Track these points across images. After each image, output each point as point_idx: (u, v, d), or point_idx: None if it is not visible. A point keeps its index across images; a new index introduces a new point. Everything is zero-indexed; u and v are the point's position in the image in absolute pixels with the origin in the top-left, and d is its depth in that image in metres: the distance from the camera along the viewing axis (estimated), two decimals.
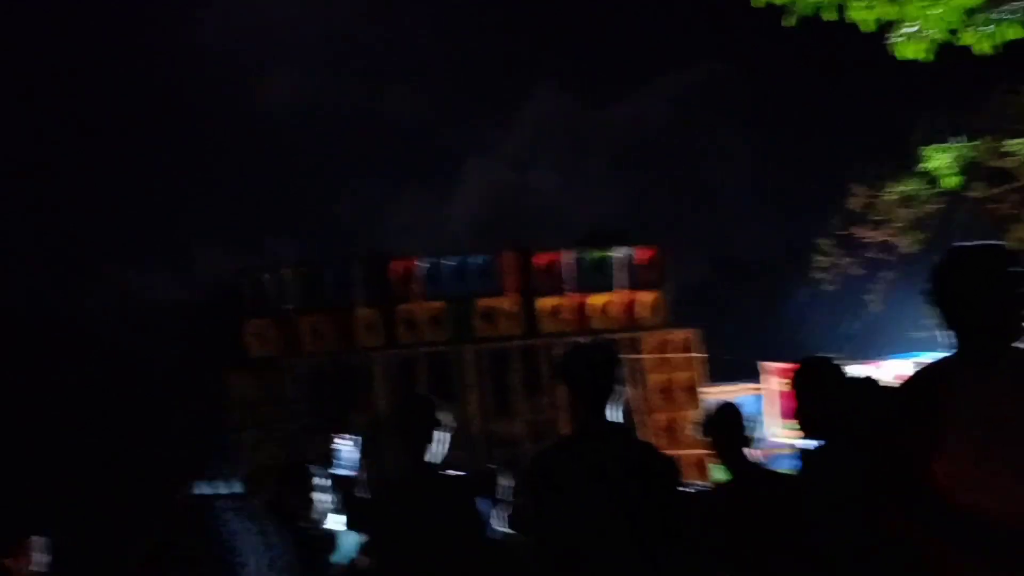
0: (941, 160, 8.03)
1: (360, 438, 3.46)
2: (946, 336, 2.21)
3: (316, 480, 3.37)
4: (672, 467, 2.71)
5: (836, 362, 2.97)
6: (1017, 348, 2.08)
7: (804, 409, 2.95)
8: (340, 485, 3.42)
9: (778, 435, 9.67)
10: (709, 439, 3.44)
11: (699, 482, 5.55)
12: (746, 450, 3.39)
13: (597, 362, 2.76)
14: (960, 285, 2.15)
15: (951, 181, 8.14)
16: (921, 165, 8.61)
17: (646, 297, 9.16)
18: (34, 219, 23.22)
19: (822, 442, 2.97)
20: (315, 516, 3.38)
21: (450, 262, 8.96)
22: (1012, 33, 4.48)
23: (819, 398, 2.88)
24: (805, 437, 2.98)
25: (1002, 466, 1.96)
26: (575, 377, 2.77)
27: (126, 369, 18.26)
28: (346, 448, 3.47)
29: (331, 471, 3.38)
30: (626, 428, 2.79)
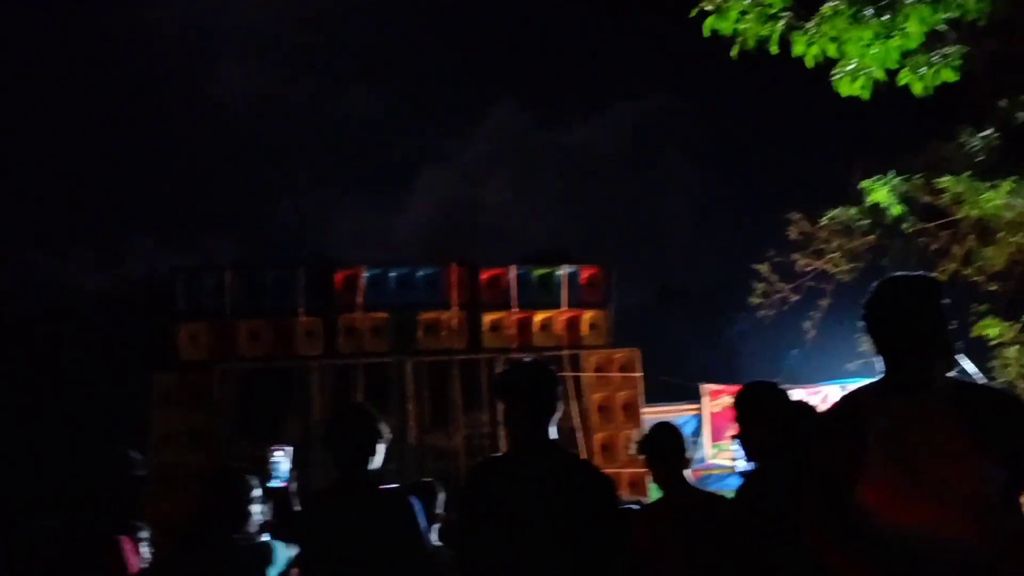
0: (881, 193, 8.32)
1: (292, 448, 3.40)
2: (878, 362, 2.28)
3: (253, 490, 3.28)
4: (609, 485, 2.73)
5: (780, 387, 3.03)
6: (944, 377, 2.14)
7: (747, 432, 2.99)
8: (272, 496, 3.35)
9: (713, 456, 9.81)
10: (647, 458, 3.47)
11: (634, 499, 5.58)
12: (683, 471, 3.43)
13: (536, 379, 2.76)
14: (889, 313, 2.22)
15: (895, 211, 8.42)
16: (864, 200, 8.87)
17: (589, 316, 9.21)
18: None
19: (756, 464, 3.02)
20: (248, 528, 3.29)
21: (395, 273, 8.88)
22: (945, 76, 4.67)
23: (762, 422, 2.93)
24: (749, 459, 3.02)
25: (920, 490, 2.02)
26: (514, 393, 2.77)
27: (41, 362, 17.52)
28: (280, 459, 3.40)
29: (266, 483, 3.31)
30: (562, 446, 2.79)
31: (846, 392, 2.35)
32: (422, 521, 3.12)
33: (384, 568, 2.94)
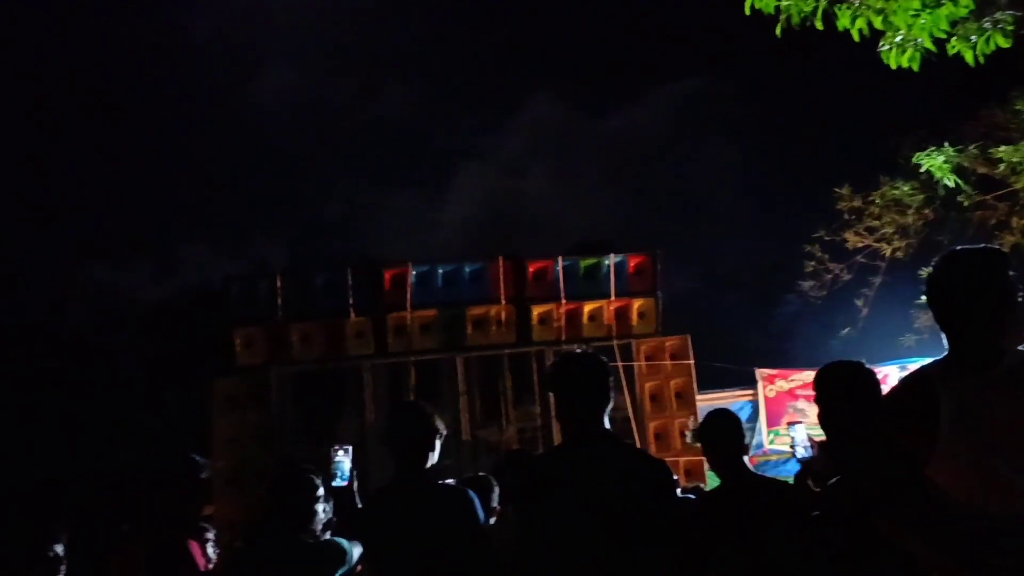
0: (934, 161, 8.07)
1: (351, 448, 3.46)
2: (941, 338, 2.22)
3: (317, 489, 3.34)
4: (666, 472, 2.72)
5: (866, 367, 2.93)
6: (1012, 351, 2.08)
7: (829, 415, 2.90)
8: (336, 495, 3.41)
9: (770, 442, 9.68)
10: (704, 445, 3.43)
11: (692, 487, 5.55)
12: (742, 457, 3.39)
13: (588, 370, 2.77)
14: (953, 289, 2.16)
15: (948, 180, 8.16)
16: (917, 174, 8.62)
17: (638, 304, 9.15)
18: (13, 214, 23.06)
19: (838, 450, 2.92)
20: (314, 526, 3.36)
21: (442, 269, 8.93)
22: (998, 42, 4.52)
23: (851, 403, 2.83)
24: (831, 444, 2.94)
25: (1001, 467, 1.97)
26: (566, 385, 2.78)
27: (105, 372, 18.11)
28: (342, 458, 3.46)
29: (330, 482, 3.38)
30: (617, 436, 2.79)
31: (913, 370, 2.30)
32: (482, 515, 3.15)
33: (447, 563, 2.98)
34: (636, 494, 2.58)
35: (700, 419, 8.85)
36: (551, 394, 2.84)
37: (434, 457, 3.20)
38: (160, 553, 3.21)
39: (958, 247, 2.27)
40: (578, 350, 2.91)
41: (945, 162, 7.94)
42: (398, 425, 3.26)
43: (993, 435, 2.00)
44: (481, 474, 4.52)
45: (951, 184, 8.21)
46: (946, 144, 8.04)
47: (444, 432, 3.27)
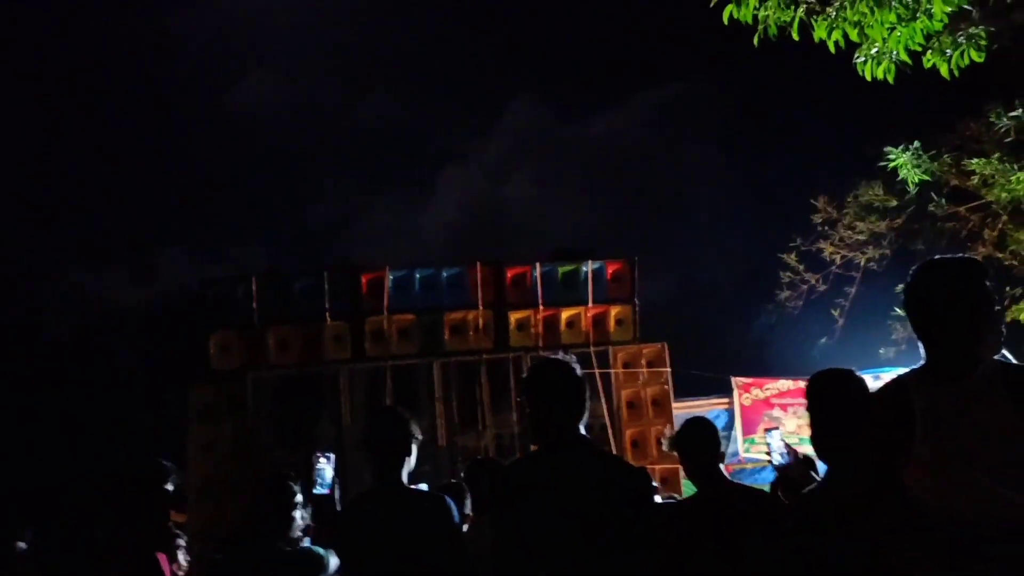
0: (901, 158, 8.18)
1: (332, 455, 3.44)
2: (919, 347, 2.24)
3: (295, 496, 3.32)
4: (644, 478, 2.71)
5: (856, 375, 2.93)
6: (988, 361, 2.11)
7: (817, 425, 2.90)
8: (318, 503, 3.39)
9: (746, 450, 9.73)
10: (681, 453, 3.43)
11: (667, 496, 5.55)
12: (718, 465, 3.39)
13: (563, 377, 2.75)
14: (930, 297, 2.18)
15: (912, 179, 8.27)
16: (884, 163, 8.73)
17: (616, 311, 9.17)
18: None
19: (826, 460, 2.91)
20: (292, 535, 3.33)
21: (420, 274, 8.90)
22: (971, 57, 4.60)
23: (834, 413, 2.82)
24: (818, 454, 2.94)
25: (974, 475, 1.99)
26: (542, 391, 2.77)
27: (81, 377, 17.86)
28: (324, 466, 3.44)
29: (311, 490, 3.36)
30: (592, 441, 2.79)
31: (890, 379, 2.32)
32: (459, 521, 3.14)
33: (424, 568, 2.96)
34: (613, 501, 2.58)
35: (676, 427, 8.91)
36: (525, 399, 2.83)
37: (411, 462, 3.20)
38: (129, 563, 3.17)
39: (936, 257, 2.30)
40: (561, 355, 2.90)
41: (912, 157, 8.06)
42: (375, 431, 3.26)
43: (969, 444, 2.02)
44: (454, 481, 4.50)
45: (917, 181, 8.33)
46: (915, 143, 8.17)
47: (420, 437, 3.27)
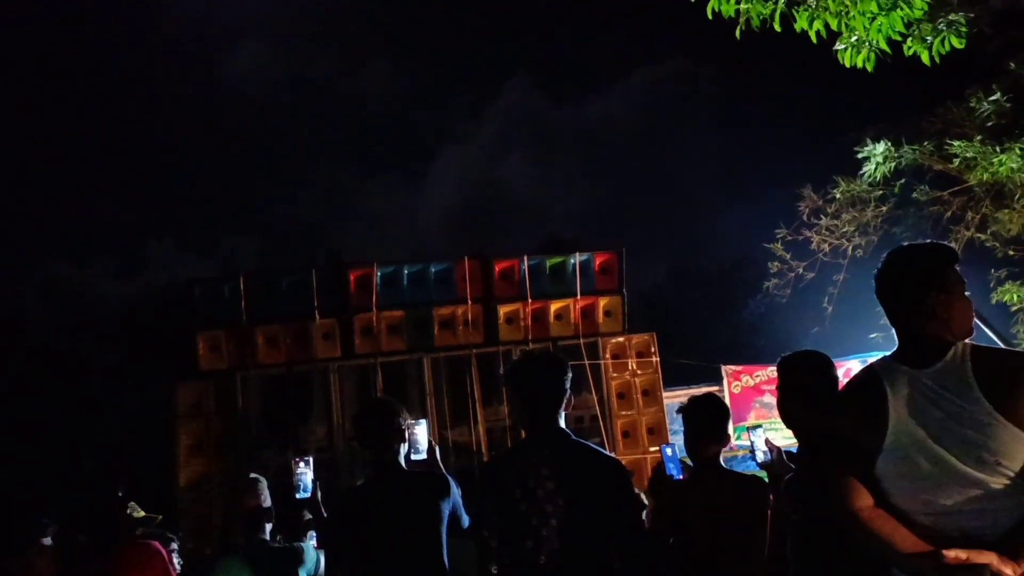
0: (874, 151, 8.27)
1: (311, 459, 3.51)
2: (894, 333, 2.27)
3: (265, 495, 3.42)
4: (618, 468, 2.74)
5: (824, 357, 2.97)
6: (957, 345, 2.13)
7: (785, 405, 2.93)
8: (306, 507, 3.47)
9: (736, 438, 9.78)
10: (685, 427, 3.43)
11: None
12: (719, 448, 3.40)
13: (544, 369, 2.78)
14: (900, 283, 2.21)
15: (881, 169, 8.42)
16: (859, 154, 8.83)
17: (604, 302, 9.19)
18: None
19: (798, 440, 2.97)
20: (265, 532, 3.42)
21: (408, 270, 8.89)
22: (952, 43, 4.62)
23: (803, 394, 2.86)
24: (795, 434, 2.98)
25: (945, 460, 2.01)
26: (521, 384, 2.79)
27: (67, 376, 17.72)
28: (304, 471, 3.52)
29: (294, 495, 3.42)
30: (570, 433, 2.81)
31: (863, 367, 2.34)
32: (454, 503, 3.18)
33: (431, 546, 3.00)
34: (590, 490, 2.61)
35: (668, 418, 8.94)
36: (508, 393, 2.87)
37: (405, 447, 3.28)
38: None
39: (905, 243, 2.33)
40: (533, 349, 2.94)
41: (885, 148, 8.14)
42: (365, 422, 3.32)
43: (936, 429, 2.04)
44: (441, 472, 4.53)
45: (888, 174, 8.44)
46: (882, 140, 8.25)
47: (409, 421, 3.34)
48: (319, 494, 3.41)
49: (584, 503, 2.59)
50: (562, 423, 2.76)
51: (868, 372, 2.25)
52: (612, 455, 2.86)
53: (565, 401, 2.76)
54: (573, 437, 2.77)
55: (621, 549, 2.60)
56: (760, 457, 3.35)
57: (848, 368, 9.53)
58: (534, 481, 2.62)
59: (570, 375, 2.80)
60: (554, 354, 2.92)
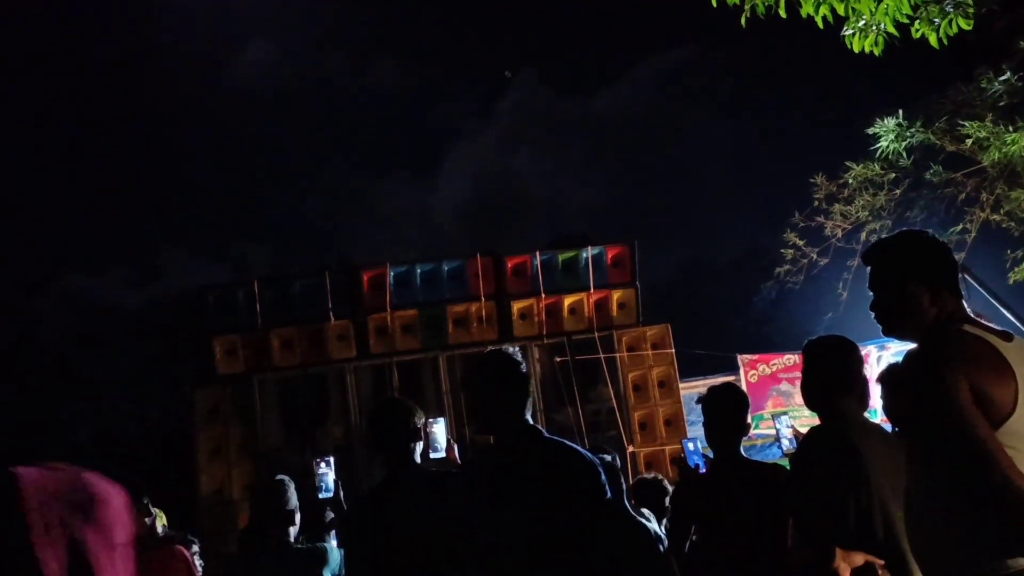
0: (886, 127, 8.24)
1: (332, 458, 3.53)
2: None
3: (292, 497, 3.43)
4: (588, 464, 2.69)
5: (845, 341, 2.98)
6: (944, 327, 2.13)
7: (809, 386, 2.93)
8: (328, 507, 3.49)
9: (755, 427, 9.75)
10: (705, 418, 3.43)
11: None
12: (740, 437, 3.40)
13: (503, 370, 2.77)
14: (879, 272, 2.27)
15: (891, 147, 8.40)
16: (870, 131, 8.78)
17: (618, 295, 9.19)
18: None
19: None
20: (292, 533, 3.44)
21: (421, 269, 8.92)
22: (960, 25, 4.58)
23: (822, 377, 2.86)
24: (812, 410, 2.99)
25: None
26: (479, 384, 2.79)
27: (81, 383, 17.84)
28: (325, 471, 3.54)
29: (317, 495, 3.45)
30: (540, 430, 2.80)
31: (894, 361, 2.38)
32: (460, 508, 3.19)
33: (453, 544, 3.00)
34: (561, 487, 2.59)
35: (685, 409, 8.92)
36: (465, 392, 2.88)
37: (421, 446, 3.27)
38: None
39: (883, 237, 2.38)
40: (492, 349, 2.94)
41: (896, 130, 8.10)
42: (380, 422, 3.32)
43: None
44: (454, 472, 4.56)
45: (901, 151, 8.40)
46: (899, 113, 8.21)
47: (423, 419, 3.34)
48: (341, 493, 3.42)
49: (554, 498, 2.57)
50: (530, 419, 2.76)
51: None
52: (582, 449, 2.81)
53: (528, 401, 2.76)
54: (545, 434, 2.77)
55: (589, 548, 2.57)
56: (786, 445, 3.35)
57: (867, 353, 9.48)
58: (508, 477, 2.63)
59: (526, 372, 2.79)
60: (507, 351, 2.90)
